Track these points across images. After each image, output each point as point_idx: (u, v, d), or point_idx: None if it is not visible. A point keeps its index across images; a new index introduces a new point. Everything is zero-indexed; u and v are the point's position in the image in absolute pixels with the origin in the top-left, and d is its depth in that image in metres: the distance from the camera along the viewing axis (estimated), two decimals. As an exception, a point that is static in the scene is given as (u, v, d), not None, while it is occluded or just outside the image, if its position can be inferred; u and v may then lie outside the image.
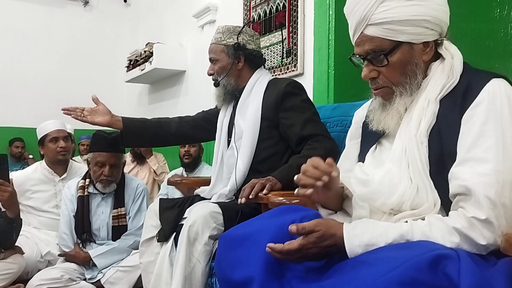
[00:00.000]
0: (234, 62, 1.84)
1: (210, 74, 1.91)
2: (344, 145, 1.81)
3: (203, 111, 2.13)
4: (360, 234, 0.90)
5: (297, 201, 1.26)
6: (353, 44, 1.10)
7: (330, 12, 2.38)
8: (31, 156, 4.54)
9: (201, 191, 1.90)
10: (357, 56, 1.09)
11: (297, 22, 2.58)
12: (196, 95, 3.79)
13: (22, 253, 2.26)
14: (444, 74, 1.02)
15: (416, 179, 0.98)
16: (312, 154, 1.55)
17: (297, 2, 2.59)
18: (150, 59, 4.00)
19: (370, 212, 1.02)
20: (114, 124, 1.93)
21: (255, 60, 1.88)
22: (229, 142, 1.86)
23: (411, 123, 1.02)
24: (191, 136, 2.11)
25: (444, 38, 1.08)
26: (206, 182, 1.98)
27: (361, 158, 1.20)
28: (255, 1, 2.98)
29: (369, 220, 0.95)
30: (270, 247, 0.91)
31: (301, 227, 0.91)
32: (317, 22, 2.45)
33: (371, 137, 1.17)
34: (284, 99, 1.75)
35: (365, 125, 1.20)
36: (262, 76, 1.88)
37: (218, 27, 1.90)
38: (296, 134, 1.69)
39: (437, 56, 1.08)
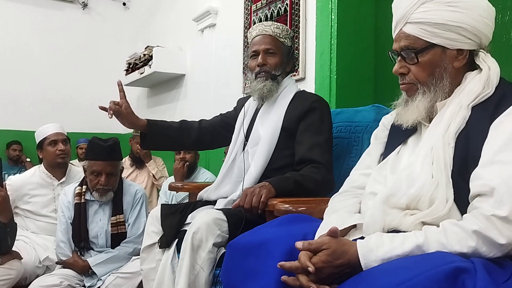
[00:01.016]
0: (286, 64, 1.81)
1: (261, 65, 1.77)
2: (349, 151, 1.81)
3: (221, 114, 2.06)
4: (375, 249, 0.88)
5: (304, 208, 1.25)
6: (393, 39, 1.15)
7: (333, 17, 2.37)
8: (28, 160, 4.51)
9: (205, 190, 1.87)
10: (393, 51, 1.13)
11: (299, 27, 2.57)
12: (195, 99, 3.78)
13: (20, 258, 2.23)
14: (480, 84, 1.04)
15: (437, 176, 0.99)
16: (309, 178, 1.58)
17: (299, 6, 2.58)
18: (150, 63, 3.98)
19: (384, 214, 1.01)
20: (138, 126, 1.89)
21: (292, 70, 1.88)
22: (245, 145, 1.82)
23: (440, 125, 1.04)
24: (210, 144, 2.06)
25: (482, 50, 1.09)
26: (209, 187, 1.95)
27: (385, 156, 1.22)
28: (256, 5, 2.97)
29: (381, 234, 0.93)
30: (281, 265, 0.89)
31: (307, 244, 0.90)
32: (319, 27, 2.45)
33: (397, 139, 1.18)
34: (307, 113, 1.71)
35: (392, 128, 1.23)
36: (289, 86, 1.83)
37: (272, 22, 1.84)
38: (300, 154, 1.67)
39: (474, 66, 1.10)
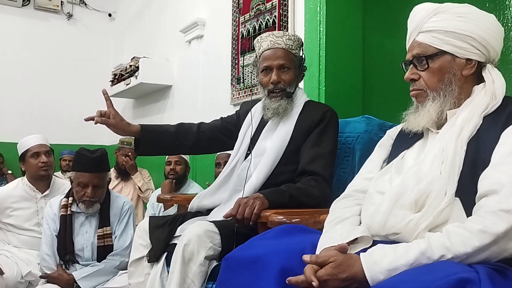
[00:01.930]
0: (298, 77, 1.78)
1: (276, 82, 1.71)
2: (340, 162, 1.81)
3: (221, 118, 1.98)
4: (379, 260, 0.88)
5: (298, 220, 1.23)
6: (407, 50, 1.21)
7: (321, 29, 2.39)
8: (10, 172, 4.40)
9: (198, 197, 1.83)
10: (406, 61, 1.19)
11: (288, 38, 2.57)
12: (182, 110, 3.75)
13: (2, 273, 2.18)
14: (487, 95, 1.09)
15: (446, 173, 1.01)
16: (306, 192, 1.56)
17: (287, 18, 2.59)
18: (136, 74, 3.95)
19: (389, 214, 1.02)
20: (130, 133, 1.81)
21: (302, 79, 1.84)
22: (247, 154, 1.77)
23: (452, 129, 1.07)
24: (207, 149, 1.99)
25: (490, 64, 1.14)
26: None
27: (389, 162, 1.24)
28: (244, 17, 2.98)
29: (383, 246, 0.93)
30: (289, 281, 0.89)
31: (315, 257, 0.90)
32: (307, 38, 2.46)
33: (402, 145, 1.22)
34: (317, 125, 1.69)
35: (398, 138, 1.27)
36: (299, 96, 1.79)
37: (284, 32, 1.79)
38: (302, 165, 1.64)
39: (482, 79, 1.14)
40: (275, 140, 1.70)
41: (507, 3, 1.94)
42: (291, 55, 1.73)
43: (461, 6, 1.13)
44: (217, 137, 1.92)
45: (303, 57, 1.79)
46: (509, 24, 1.93)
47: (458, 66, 1.11)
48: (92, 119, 1.76)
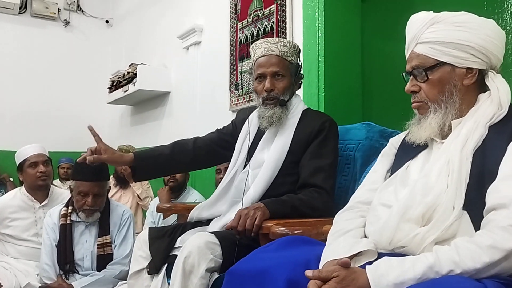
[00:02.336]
0: (294, 84, 1.74)
1: (269, 90, 1.68)
2: (341, 170, 1.79)
3: (217, 130, 1.95)
4: (385, 273, 0.86)
5: (300, 231, 1.21)
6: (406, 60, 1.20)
7: (320, 35, 2.38)
8: (11, 179, 4.36)
9: (197, 208, 1.81)
10: (406, 72, 1.18)
11: (286, 44, 2.56)
12: (181, 117, 3.74)
13: (0, 286, 2.14)
14: (494, 104, 1.07)
15: (453, 186, 1.00)
16: (308, 204, 1.53)
17: (285, 24, 2.58)
18: (134, 80, 3.93)
19: (396, 228, 1.01)
20: (125, 163, 1.79)
21: (299, 86, 1.81)
22: (245, 165, 1.74)
23: (457, 140, 1.06)
24: (205, 164, 1.97)
25: (492, 70, 1.12)
26: (198, 208, 1.90)
27: (393, 172, 1.23)
28: (242, 23, 2.97)
29: (389, 258, 0.91)
30: None
31: (317, 272, 0.89)
32: (306, 45, 2.45)
33: (406, 155, 1.20)
34: (316, 135, 1.66)
35: (401, 147, 1.26)
36: (297, 105, 1.76)
37: (279, 39, 1.75)
38: (303, 178, 1.62)
39: (486, 87, 1.11)
40: (273, 152, 1.67)
41: (505, 6, 1.93)
42: (286, 62, 1.69)
43: (458, 15, 1.11)
44: (214, 150, 1.88)
45: (300, 64, 1.75)
46: (508, 28, 1.93)
47: (458, 76, 1.10)
48: (84, 159, 1.74)
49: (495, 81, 1.09)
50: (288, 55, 1.70)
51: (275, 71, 1.67)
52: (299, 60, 1.76)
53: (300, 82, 1.81)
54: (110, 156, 1.74)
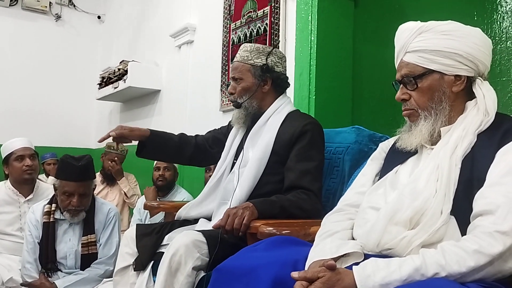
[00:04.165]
0: (260, 84, 1.75)
1: (231, 93, 1.80)
2: (330, 172, 1.81)
3: (214, 130, 2.03)
4: (372, 274, 0.87)
5: (288, 231, 1.22)
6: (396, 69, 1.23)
7: (312, 38, 2.39)
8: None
9: (185, 207, 1.82)
10: (396, 80, 1.20)
11: (278, 47, 2.57)
12: (171, 115, 3.73)
13: (-18, 280, 2.11)
14: (480, 113, 1.09)
15: (442, 191, 1.01)
16: (297, 205, 1.55)
17: (279, 26, 2.60)
18: (124, 77, 3.92)
19: (383, 231, 1.02)
20: (142, 137, 1.88)
21: (281, 84, 1.81)
22: (233, 165, 1.78)
23: (447, 147, 1.07)
24: (201, 162, 2.06)
25: (479, 78, 1.14)
26: (186, 206, 1.90)
27: (382, 176, 1.24)
28: (235, 24, 2.97)
29: (376, 259, 0.92)
30: None
31: (303, 273, 0.90)
32: (298, 47, 2.46)
33: (396, 160, 1.21)
34: (298, 138, 1.67)
35: (390, 151, 1.28)
36: (283, 106, 1.79)
37: (245, 45, 1.81)
38: (290, 181, 1.63)
39: (473, 94, 1.14)
40: (256, 151, 1.70)
41: (494, 17, 1.97)
42: (247, 66, 1.76)
43: (445, 24, 1.13)
44: (208, 151, 1.96)
45: (270, 63, 1.76)
46: (497, 38, 1.96)
47: (447, 84, 1.12)
48: (107, 137, 1.83)
49: (482, 88, 1.12)
50: (250, 58, 1.77)
51: (232, 76, 1.79)
52: (270, 60, 1.77)
53: (275, 78, 1.79)
54: (128, 130, 1.85)
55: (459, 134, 1.07)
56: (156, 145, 1.90)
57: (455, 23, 1.15)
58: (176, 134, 1.99)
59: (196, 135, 2.01)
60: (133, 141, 1.91)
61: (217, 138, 1.97)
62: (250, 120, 1.80)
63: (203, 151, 1.96)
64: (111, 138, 1.84)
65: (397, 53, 1.19)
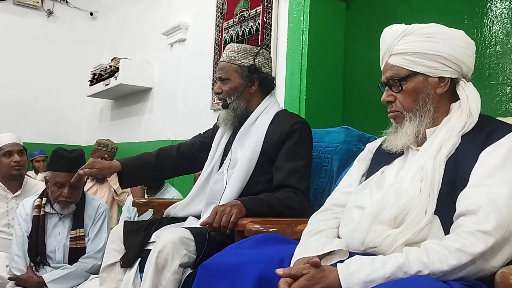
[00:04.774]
0: (248, 84, 1.75)
1: (217, 93, 1.80)
2: (318, 172, 1.82)
3: (199, 134, 2.02)
4: (356, 272, 0.88)
5: (275, 229, 1.22)
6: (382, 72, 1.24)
7: (304, 38, 2.41)
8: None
9: (173, 207, 1.82)
10: (381, 83, 1.21)
11: (270, 46, 2.58)
12: (162, 113, 3.72)
13: (-33, 276, 2.09)
14: (464, 115, 1.10)
15: (426, 191, 1.02)
16: (285, 203, 1.56)
17: (271, 26, 2.60)
18: (116, 74, 3.90)
19: (368, 230, 1.03)
20: (113, 170, 1.87)
21: (268, 85, 1.81)
22: (221, 165, 1.78)
23: (431, 148, 1.09)
24: (189, 170, 2.03)
25: (463, 79, 1.15)
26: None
27: (368, 176, 1.25)
28: (228, 23, 2.98)
29: (361, 257, 0.93)
30: None
31: (288, 270, 0.90)
32: (290, 47, 2.47)
33: (382, 160, 1.23)
34: (287, 138, 1.68)
35: (377, 151, 1.29)
36: (270, 105, 1.79)
37: (232, 45, 1.81)
38: (278, 179, 1.64)
39: (457, 96, 1.15)
40: (246, 151, 1.70)
41: (484, 21, 1.99)
42: (234, 66, 1.76)
43: (428, 26, 1.15)
44: (196, 157, 1.95)
45: (255, 63, 1.76)
46: (486, 42, 1.98)
47: (431, 85, 1.13)
48: (78, 175, 1.86)
49: (465, 89, 1.13)
50: (237, 58, 1.76)
51: (219, 76, 1.78)
52: (257, 60, 1.78)
53: (262, 79, 1.79)
54: (100, 168, 1.84)
55: (443, 135, 1.09)
56: (133, 173, 1.87)
57: (439, 25, 1.16)
58: (153, 151, 1.95)
59: (179, 145, 1.98)
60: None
61: (204, 142, 1.95)
62: (238, 121, 1.79)
63: (189, 159, 1.94)
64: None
65: (382, 55, 1.21)
